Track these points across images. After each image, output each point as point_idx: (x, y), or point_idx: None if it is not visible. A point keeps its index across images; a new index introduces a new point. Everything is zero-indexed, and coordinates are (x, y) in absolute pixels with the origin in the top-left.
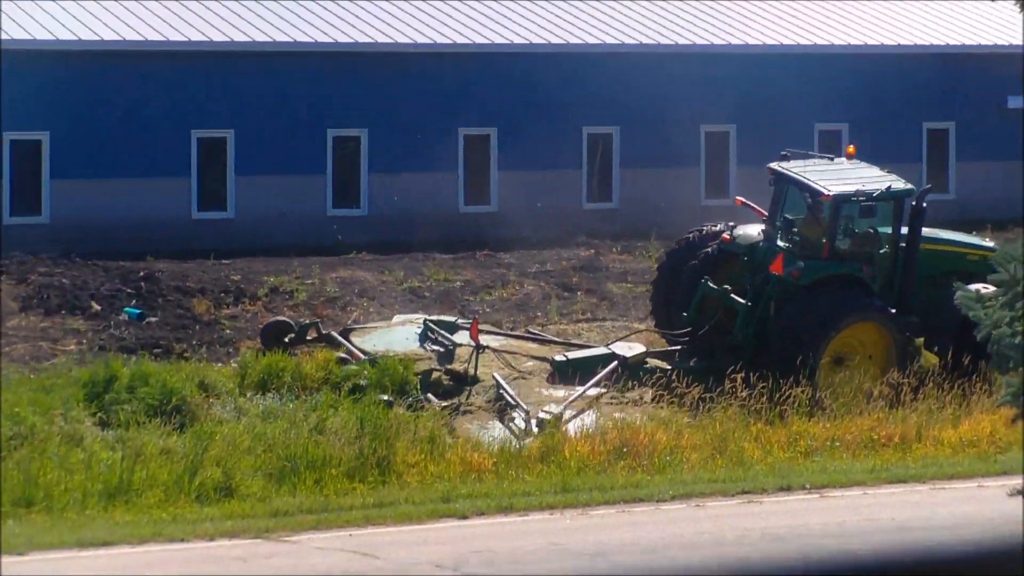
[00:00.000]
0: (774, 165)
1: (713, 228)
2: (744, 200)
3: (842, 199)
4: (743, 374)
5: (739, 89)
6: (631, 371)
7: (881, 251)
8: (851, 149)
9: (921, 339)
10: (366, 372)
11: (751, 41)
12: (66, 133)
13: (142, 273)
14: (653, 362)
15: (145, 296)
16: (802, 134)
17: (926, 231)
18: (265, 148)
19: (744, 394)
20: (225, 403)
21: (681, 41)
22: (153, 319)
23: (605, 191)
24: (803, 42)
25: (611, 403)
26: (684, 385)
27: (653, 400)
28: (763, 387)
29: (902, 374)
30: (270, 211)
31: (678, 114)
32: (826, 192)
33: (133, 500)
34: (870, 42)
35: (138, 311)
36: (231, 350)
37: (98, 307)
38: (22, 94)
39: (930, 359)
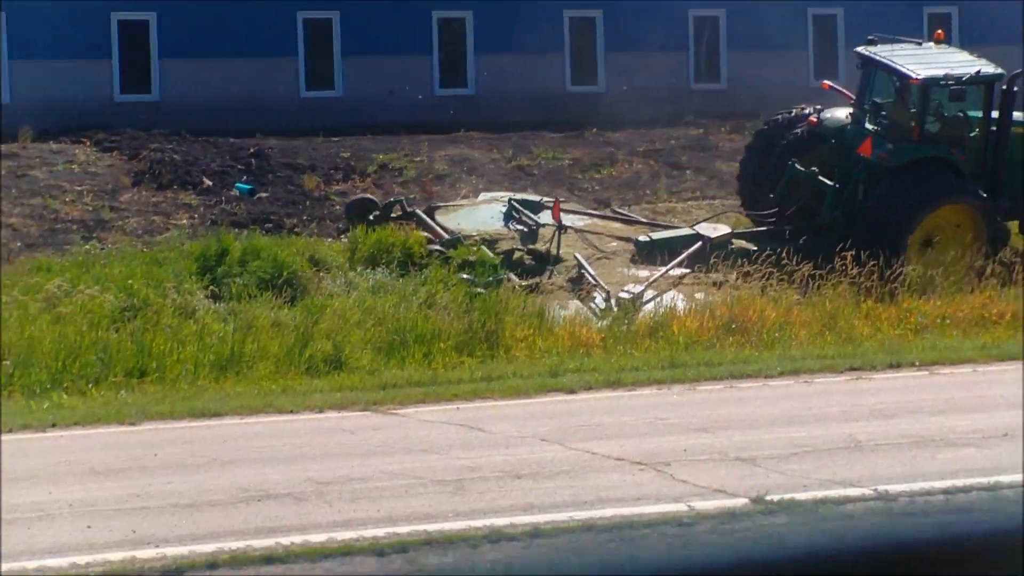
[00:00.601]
0: (861, 49)
1: (802, 110)
2: (831, 84)
3: (931, 83)
4: (852, 252)
5: None
6: (717, 249)
7: (972, 135)
8: (940, 34)
9: (1015, 222)
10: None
11: None
12: (173, 12)
13: (252, 150)
14: (738, 243)
15: (255, 172)
16: (910, 16)
17: (1017, 115)
18: (371, 29)
19: (854, 272)
20: (335, 277)
21: None
22: (264, 194)
23: (713, 72)
24: None
25: (694, 283)
26: (787, 262)
27: (737, 279)
28: (873, 265)
29: (993, 257)
30: (378, 90)
31: None
32: (915, 76)
33: (244, 372)
34: None
35: (249, 186)
36: (340, 225)
37: (209, 182)
38: None
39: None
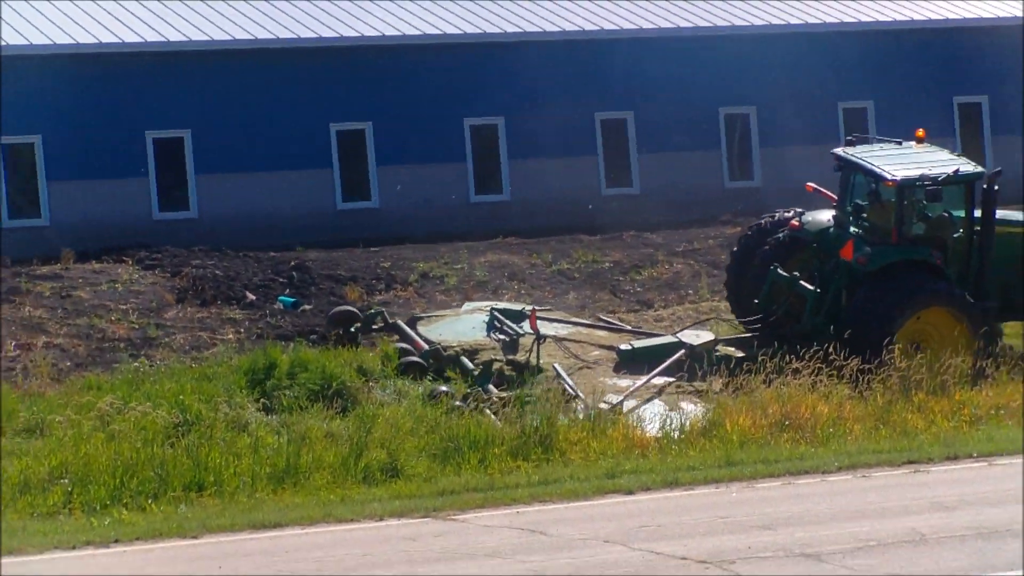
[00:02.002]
0: (839, 151)
1: (785, 214)
2: (815, 186)
3: (906, 184)
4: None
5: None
6: (699, 359)
7: (955, 235)
8: (921, 133)
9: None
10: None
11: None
12: (207, 128)
13: (293, 263)
14: (724, 350)
15: (298, 285)
16: (940, 106)
17: (1009, 214)
18: (404, 138)
19: (903, 365)
20: (384, 387)
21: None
22: (307, 307)
23: (746, 170)
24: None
25: (678, 392)
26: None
27: (723, 389)
28: (921, 358)
29: (984, 358)
30: (413, 200)
31: (815, 93)
32: (889, 177)
33: (301, 483)
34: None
35: (292, 299)
36: (385, 336)
37: (252, 297)
38: (161, 94)
39: None
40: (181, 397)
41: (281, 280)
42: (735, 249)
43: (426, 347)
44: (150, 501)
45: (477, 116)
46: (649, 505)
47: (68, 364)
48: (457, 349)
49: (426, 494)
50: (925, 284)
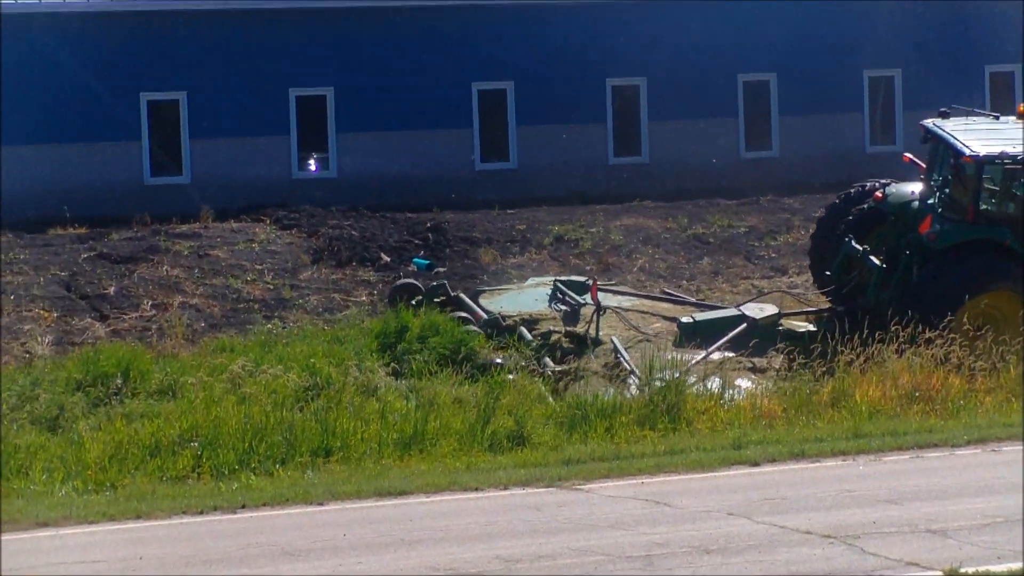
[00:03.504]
0: (927, 122)
1: (876, 183)
2: (912, 157)
3: (984, 160)
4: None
5: None
6: (762, 334)
7: None
8: (1022, 108)
9: None
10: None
11: None
12: (346, 87)
13: (428, 224)
14: (788, 324)
15: (432, 247)
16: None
17: None
18: (543, 98)
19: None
20: (510, 354)
21: None
22: (442, 269)
23: (888, 133)
24: None
25: (738, 368)
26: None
27: (783, 368)
28: (992, 339)
29: None
30: (552, 161)
31: (961, 55)
32: (967, 152)
33: (427, 449)
34: None
35: (427, 261)
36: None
37: (387, 258)
38: (304, 52)
39: None
40: (312, 360)
41: (416, 242)
42: (821, 217)
43: (484, 316)
44: (278, 466)
45: (619, 76)
46: (774, 477)
47: (203, 325)
48: (516, 319)
49: (551, 463)
50: (993, 265)
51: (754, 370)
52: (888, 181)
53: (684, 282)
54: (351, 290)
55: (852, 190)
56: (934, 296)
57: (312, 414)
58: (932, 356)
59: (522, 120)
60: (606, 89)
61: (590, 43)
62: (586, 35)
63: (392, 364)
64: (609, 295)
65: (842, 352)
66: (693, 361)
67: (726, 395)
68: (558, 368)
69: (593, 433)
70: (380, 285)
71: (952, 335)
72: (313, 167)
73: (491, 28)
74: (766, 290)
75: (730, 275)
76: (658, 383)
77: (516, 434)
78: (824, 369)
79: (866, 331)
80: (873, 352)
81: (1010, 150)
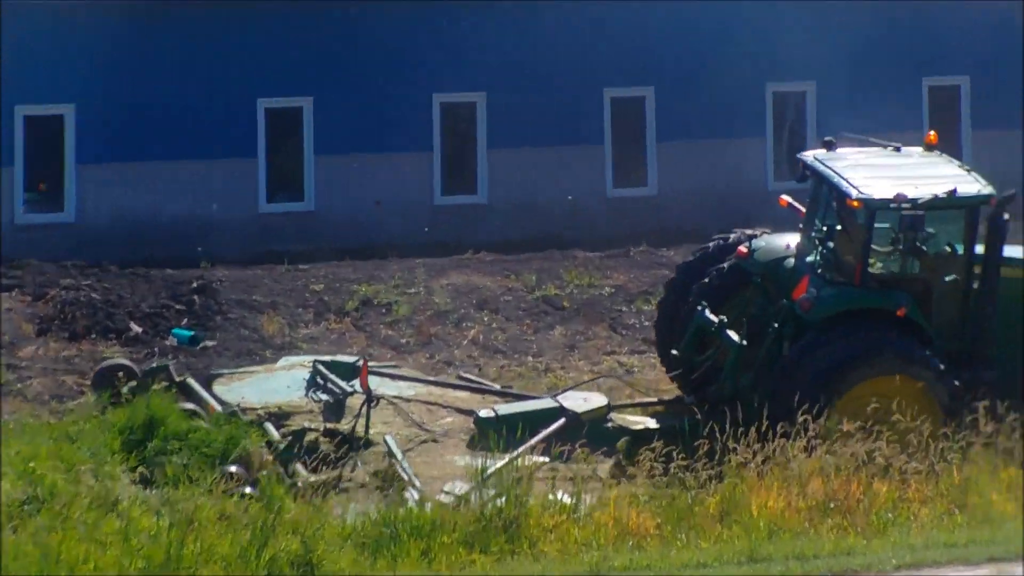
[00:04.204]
0: (806, 155)
1: (742, 234)
2: (790, 200)
3: (877, 205)
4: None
5: None
6: (585, 431)
7: (947, 278)
8: (932, 136)
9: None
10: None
11: None
12: (89, 108)
13: (195, 284)
14: (618, 419)
15: (199, 313)
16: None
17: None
18: (346, 120)
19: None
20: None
21: None
22: (210, 343)
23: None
24: None
25: (550, 476)
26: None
27: (615, 477)
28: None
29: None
30: (360, 200)
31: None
32: (853, 195)
33: None
34: None
35: (190, 332)
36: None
37: (139, 328)
38: None
39: None
40: (32, 464)
41: (178, 307)
42: (672, 279)
43: (219, 410)
44: None
45: (450, 91)
46: None
47: None
48: (261, 413)
49: None
50: (884, 342)
51: (571, 480)
52: (759, 232)
53: (529, 358)
54: (88, 371)
55: (711, 244)
56: (805, 383)
57: (29, 536)
58: (852, 455)
59: (323, 148)
60: (433, 107)
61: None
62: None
63: (140, 469)
64: (387, 380)
65: (731, 451)
66: (493, 467)
67: (581, 507)
68: (313, 478)
69: (405, 558)
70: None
71: (821, 437)
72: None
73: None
74: (598, 373)
75: (589, 349)
76: (444, 497)
77: (303, 560)
78: (709, 472)
79: (728, 428)
80: (774, 450)
81: (909, 191)
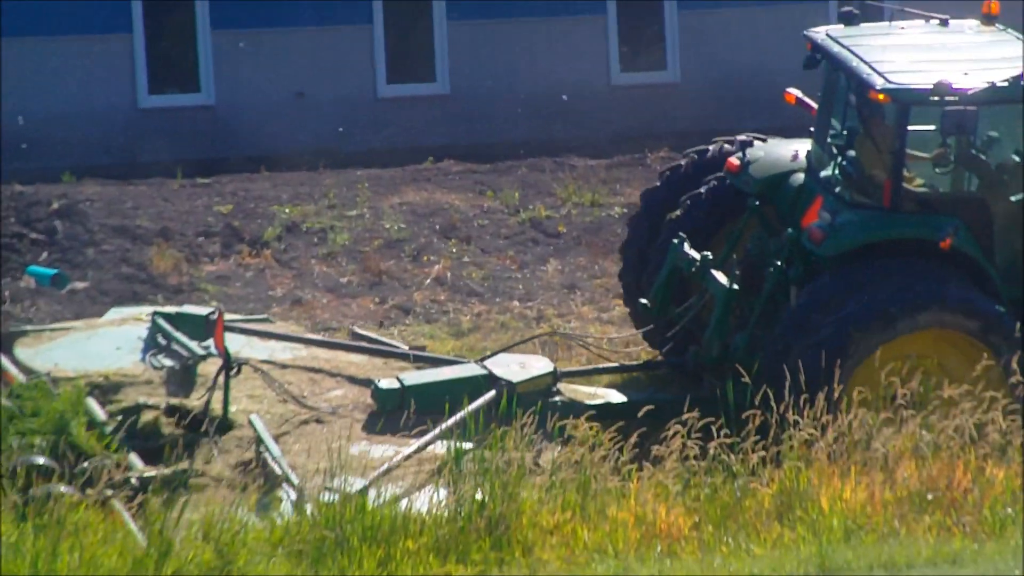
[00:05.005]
0: (815, 32)
1: (733, 142)
2: (799, 94)
3: (911, 97)
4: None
5: None
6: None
7: (1013, 198)
8: (994, 5)
9: None
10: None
11: None
12: None
13: (55, 204)
14: (568, 389)
15: (63, 245)
16: None
17: None
18: None
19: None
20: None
21: None
22: (81, 284)
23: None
24: None
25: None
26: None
27: (559, 464)
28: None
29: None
30: (276, 92)
31: None
32: (876, 85)
33: None
34: None
35: (52, 271)
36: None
37: None
38: None
39: None
40: None
41: (34, 236)
42: (636, 214)
43: (23, 380)
44: None
45: None
46: None
47: None
48: (81, 383)
49: None
50: (919, 286)
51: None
52: (753, 138)
53: (515, 303)
54: None
55: (684, 160)
56: (816, 342)
57: None
58: (955, 430)
59: (219, 20)
60: None
61: None
62: None
63: None
64: (255, 340)
65: (792, 425)
66: (397, 457)
67: (590, 499)
68: (150, 472)
69: (357, 570)
70: None
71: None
72: None
73: None
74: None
75: (595, 290)
76: (327, 495)
77: (219, 572)
78: (763, 455)
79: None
80: (850, 423)
81: (956, 79)
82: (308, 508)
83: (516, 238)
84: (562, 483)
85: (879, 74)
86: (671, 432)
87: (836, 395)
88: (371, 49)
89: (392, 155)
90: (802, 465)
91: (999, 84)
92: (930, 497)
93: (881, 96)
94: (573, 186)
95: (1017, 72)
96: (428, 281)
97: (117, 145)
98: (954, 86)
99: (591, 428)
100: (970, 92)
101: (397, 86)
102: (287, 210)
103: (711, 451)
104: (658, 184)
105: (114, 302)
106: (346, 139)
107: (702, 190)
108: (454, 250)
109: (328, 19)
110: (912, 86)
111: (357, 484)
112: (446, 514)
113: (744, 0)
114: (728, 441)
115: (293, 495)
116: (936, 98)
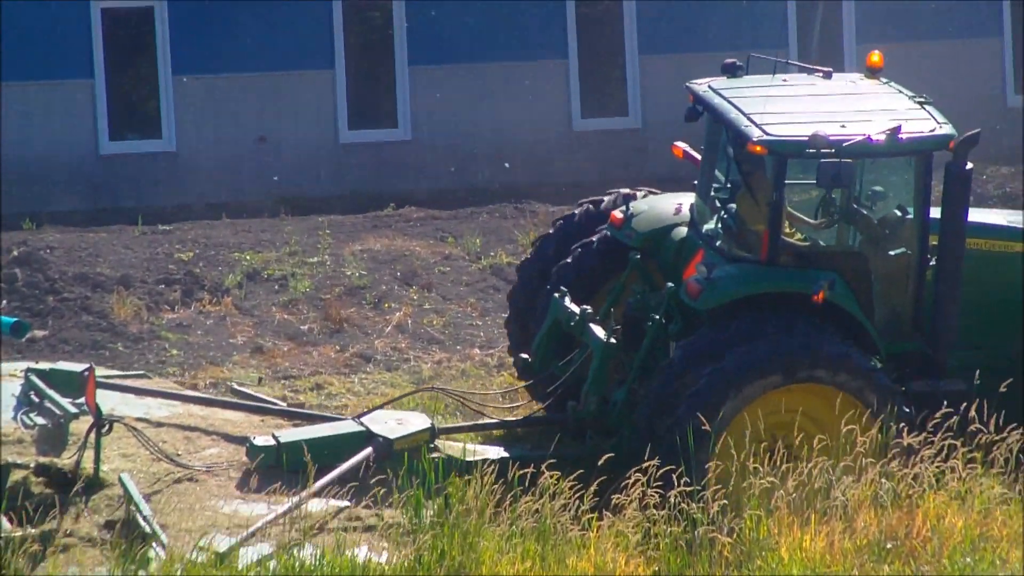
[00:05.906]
0: (697, 84)
1: (622, 194)
2: (685, 148)
3: (786, 150)
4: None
5: None
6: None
7: (893, 252)
8: (877, 59)
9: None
10: None
11: None
12: None
13: (15, 252)
14: (446, 446)
15: (23, 292)
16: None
17: (980, 215)
18: (211, 27)
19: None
20: None
21: None
22: (40, 333)
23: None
24: None
25: (349, 524)
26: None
27: (441, 520)
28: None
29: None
30: (237, 139)
31: None
32: (753, 136)
33: None
34: None
35: (12, 320)
36: (184, 378)
37: None
38: None
39: None
40: None
41: None
42: (525, 259)
43: None
44: None
45: None
46: None
47: None
48: None
49: None
50: (793, 341)
51: (386, 532)
52: (640, 192)
53: (476, 351)
54: None
55: (578, 209)
56: (693, 394)
57: None
58: (913, 477)
59: (181, 65)
60: (334, 11)
61: None
62: None
63: None
64: (130, 397)
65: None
66: (270, 516)
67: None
68: (17, 533)
69: None
70: None
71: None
72: None
73: None
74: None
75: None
76: (200, 556)
77: None
78: (722, 503)
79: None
80: (810, 472)
81: (832, 130)
82: (177, 568)
83: (477, 285)
84: (522, 532)
85: (756, 126)
86: (632, 480)
87: (712, 446)
88: (333, 95)
89: (354, 201)
90: (762, 513)
91: (875, 137)
92: (889, 546)
93: (758, 148)
94: (535, 232)
95: (895, 125)
96: (389, 328)
97: (78, 192)
98: (831, 138)
99: (551, 476)
100: (846, 144)
101: (359, 132)
102: (248, 257)
103: (671, 499)
104: (551, 232)
105: (75, 351)
106: (308, 185)
107: (593, 239)
108: (415, 297)
109: (290, 64)
110: (788, 138)
111: (224, 543)
112: (405, 564)
113: (708, 48)
114: (688, 490)
115: (163, 554)
116: (813, 150)
